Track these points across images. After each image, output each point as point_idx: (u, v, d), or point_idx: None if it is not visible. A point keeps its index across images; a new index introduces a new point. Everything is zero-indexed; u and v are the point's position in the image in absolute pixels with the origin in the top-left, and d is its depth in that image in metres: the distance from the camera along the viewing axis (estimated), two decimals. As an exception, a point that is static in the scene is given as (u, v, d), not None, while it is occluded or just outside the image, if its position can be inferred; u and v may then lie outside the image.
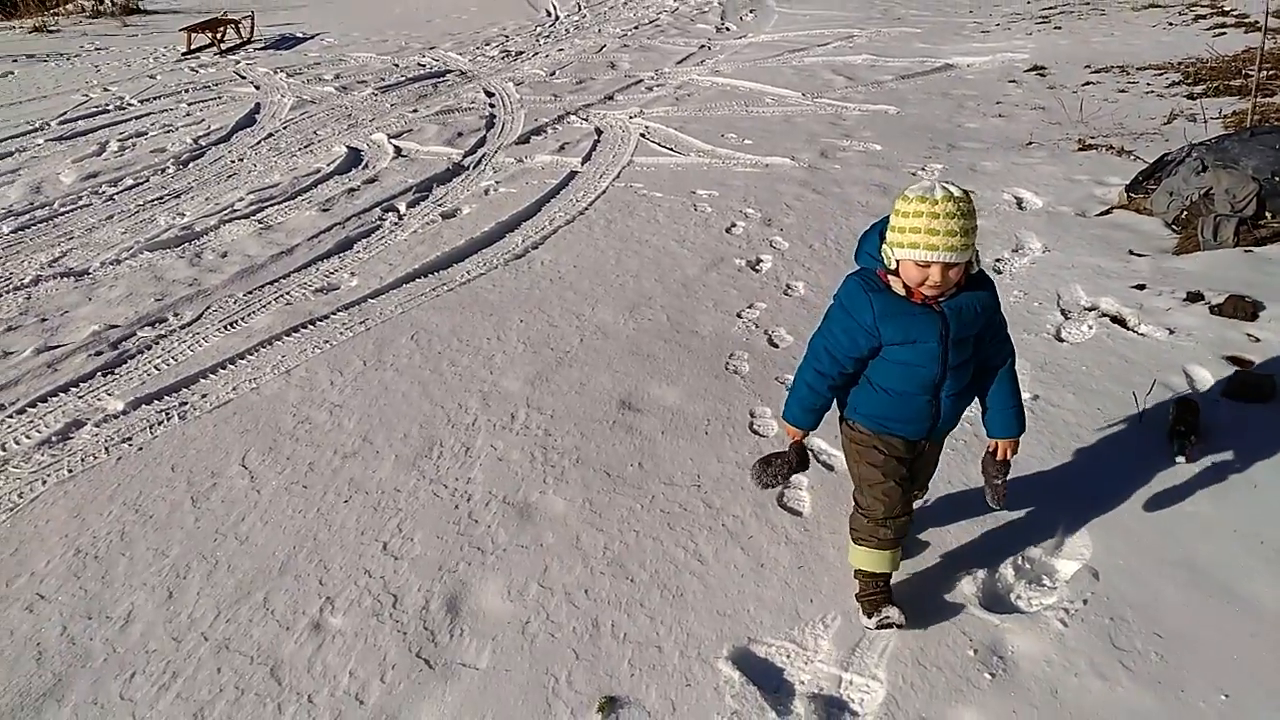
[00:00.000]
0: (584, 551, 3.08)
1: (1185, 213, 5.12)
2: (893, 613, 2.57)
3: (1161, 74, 9.07)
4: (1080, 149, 7.00)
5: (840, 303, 2.43)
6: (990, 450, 2.62)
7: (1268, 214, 4.93)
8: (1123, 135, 7.16)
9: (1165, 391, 3.63)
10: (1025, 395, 3.14)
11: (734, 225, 6.01)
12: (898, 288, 2.33)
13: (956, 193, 2.16)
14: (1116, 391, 3.70)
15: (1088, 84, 9.05)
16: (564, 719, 2.45)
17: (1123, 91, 8.64)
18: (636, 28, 14.74)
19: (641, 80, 10.74)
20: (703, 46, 12.79)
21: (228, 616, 2.87)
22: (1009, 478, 2.60)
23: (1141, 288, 4.53)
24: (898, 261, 2.25)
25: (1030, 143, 7.33)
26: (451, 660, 2.66)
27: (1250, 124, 6.28)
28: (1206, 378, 3.75)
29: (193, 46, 13.81)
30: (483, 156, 8.00)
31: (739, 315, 4.74)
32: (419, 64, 12.33)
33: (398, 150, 8.25)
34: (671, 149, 7.89)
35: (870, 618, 2.61)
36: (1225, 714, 2.31)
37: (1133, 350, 4.02)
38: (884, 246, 2.28)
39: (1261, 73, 8.32)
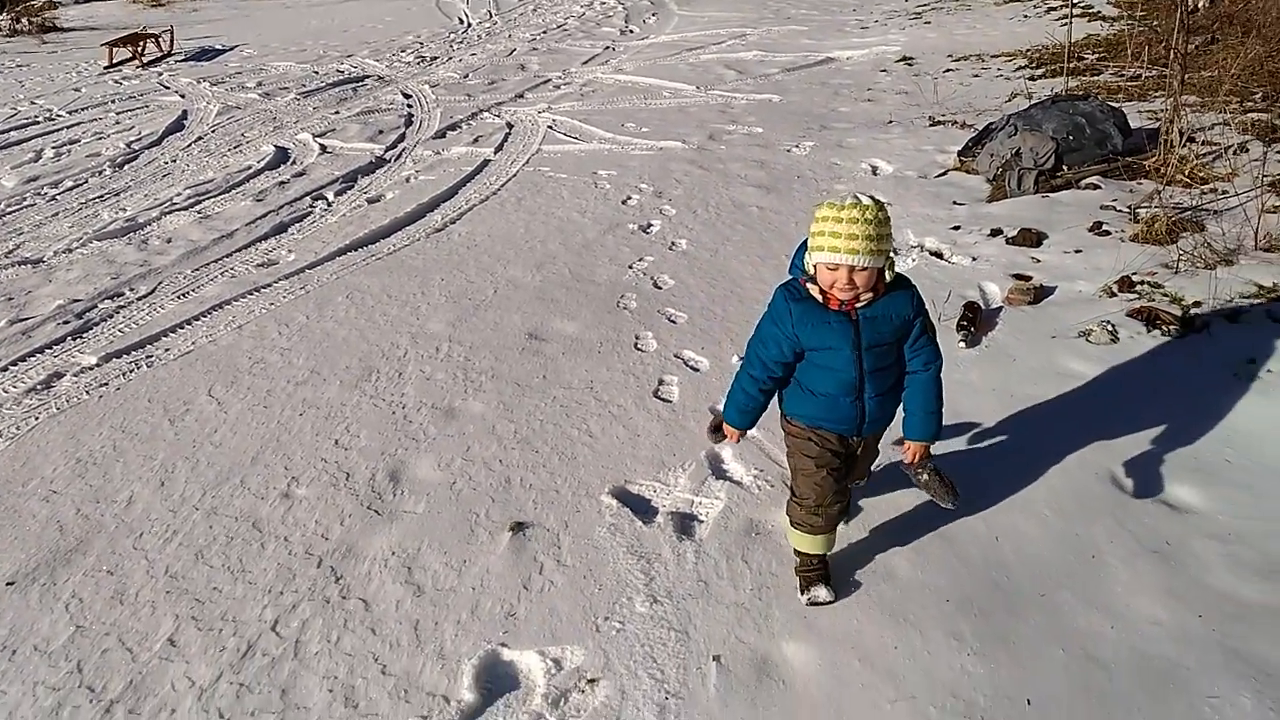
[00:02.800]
0: (498, 436, 3.87)
1: (1001, 169, 6.13)
2: (821, 593, 2.75)
3: (1011, 60, 10.23)
4: (931, 125, 8.04)
5: (769, 313, 2.59)
6: (903, 452, 2.80)
7: (1064, 166, 5.97)
8: (969, 112, 8.20)
9: (960, 300, 4.57)
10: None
11: (629, 198, 6.86)
12: (815, 293, 2.48)
13: (866, 201, 2.32)
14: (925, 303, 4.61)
15: (948, 71, 10.15)
16: (484, 538, 3.23)
17: (976, 76, 9.76)
18: (545, 32, 15.56)
19: (550, 80, 11.55)
20: (607, 48, 13.66)
21: (212, 494, 3.59)
22: (942, 476, 2.91)
23: (957, 228, 5.51)
24: (814, 266, 2.42)
25: (890, 121, 8.35)
26: (395, 509, 3.43)
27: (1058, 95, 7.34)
28: (995, 290, 4.71)
29: (114, 61, 14.19)
30: (403, 150, 8.71)
31: (630, 267, 5.58)
32: (338, 71, 12.95)
33: (323, 148, 8.91)
34: (576, 138, 8.71)
35: (803, 594, 2.79)
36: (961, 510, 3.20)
37: (943, 274, 4.97)
38: (805, 254, 2.48)
39: (1093, 55, 9.53)
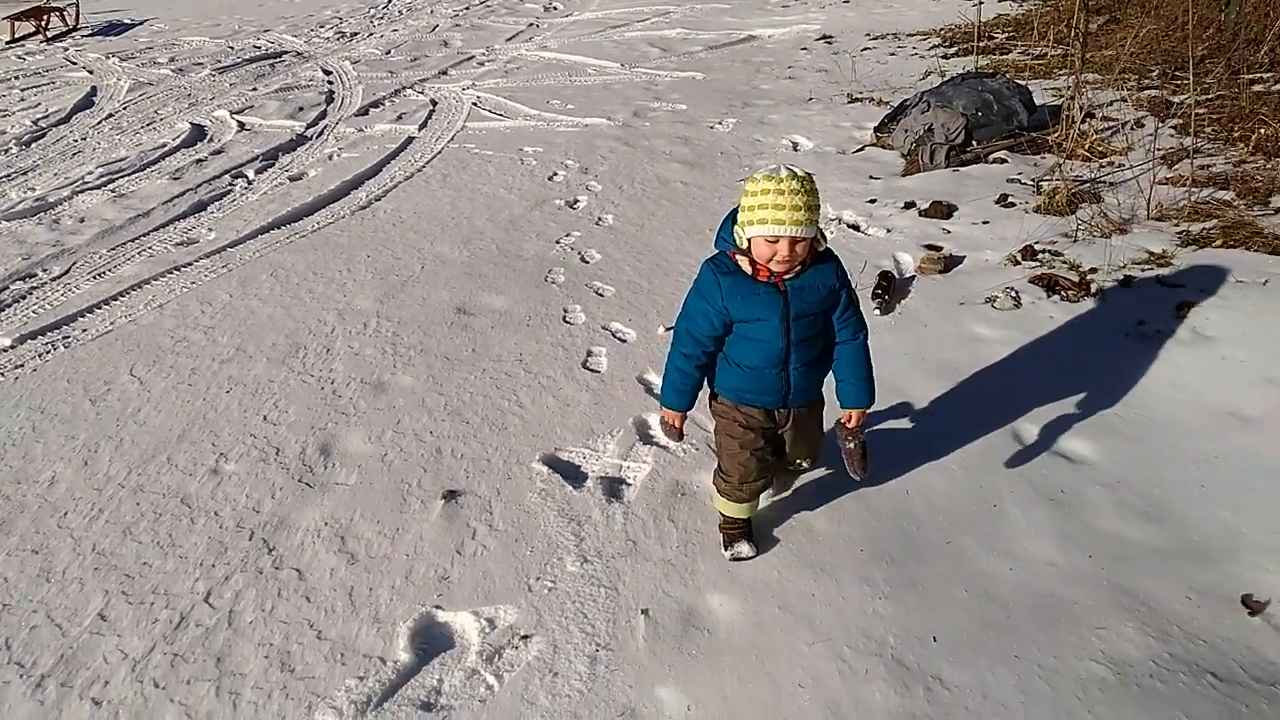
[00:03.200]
0: (428, 408, 3.92)
1: (915, 144, 6.34)
2: (744, 548, 2.91)
3: (926, 39, 10.51)
4: (849, 102, 8.24)
5: (697, 288, 2.61)
6: (842, 419, 2.84)
7: (974, 141, 6.20)
8: (885, 90, 8.43)
9: (876, 269, 4.75)
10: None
11: (555, 174, 6.91)
12: (745, 266, 2.50)
13: (800, 173, 2.35)
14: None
15: (866, 49, 10.38)
16: (416, 506, 3.29)
17: (893, 54, 10.00)
18: (468, 8, 15.39)
19: (473, 56, 11.47)
20: (531, 25, 13.60)
21: (138, 472, 3.57)
22: (865, 450, 2.88)
23: (874, 202, 5.71)
24: (749, 240, 2.42)
25: (810, 99, 8.53)
26: (327, 481, 3.46)
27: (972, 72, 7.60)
28: (908, 260, 4.91)
29: (16, 35, 13.63)
30: (324, 128, 8.59)
31: (557, 242, 5.64)
32: (254, 46, 12.65)
33: (241, 125, 8.73)
34: (501, 115, 8.70)
35: (726, 550, 2.95)
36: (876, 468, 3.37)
37: (860, 245, 5.15)
38: (735, 228, 2.46)
39: (1002, 35, 9.84)
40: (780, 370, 2.61)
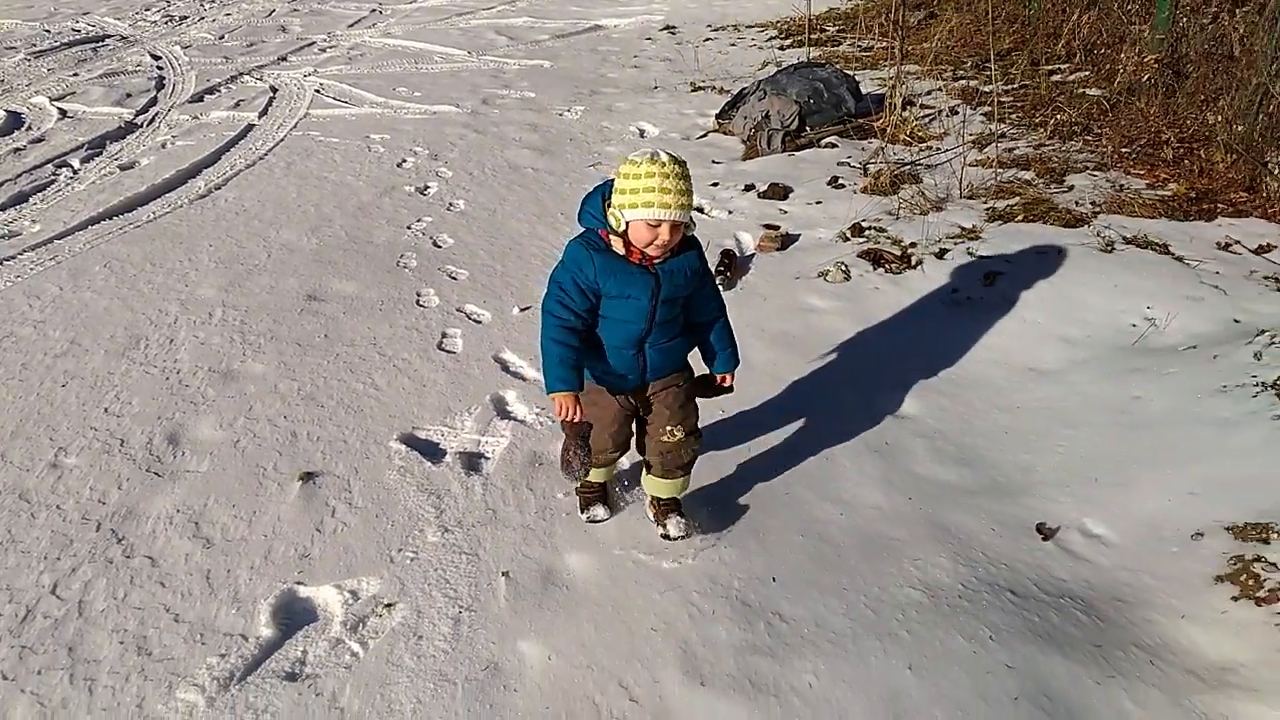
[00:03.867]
0: (281, 394, 3.90)
1: (753, 130, 6.66)
2: (599, 511, 3.06)
3: (763, 31, 10.95)
4: (692, 90, 8.54)
5: (564, 264, 2.58)
6: (712, 378, 2.91)
7: (807, 127, 6.57)
8: (726, 79, 8.76)
9: (718, 248, 5.00)
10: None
11: (404, 161, 6.88)
12: (618, 247, 2.49)
13: (679, 157, 2.39)
14: (689, 253, 5.02)
15: (708, 40, 10.73)
16: (273, 489, 3.29)
17: (733, 45, 10.38)
18: (306, -7, 14.90)
19: (314, 42, 11.17)
20: (374, 10, 13.32)
21: (-32, 471, 3.42)
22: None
23: (716, 185, 5.98)
24: (627, 223, 2.39)
25: (656, 87, 8.77)
26: (177, 470, 3.41)
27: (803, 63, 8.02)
28: (748, 239, 5.19)
29: None
30: (156, 115, 8.21)
31: (408, 227, 5.65)
32: (73, 29, 11.89)
33: (62, 112, 8.24)
34: (346, 102, 8.55)
35: (583, 513, 3.09)
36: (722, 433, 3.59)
37: (704, 226, 5.38)
38: (611, 210, 2.42)
39: (834, 28, 10.35)
40: (637, 351, 2.67)
